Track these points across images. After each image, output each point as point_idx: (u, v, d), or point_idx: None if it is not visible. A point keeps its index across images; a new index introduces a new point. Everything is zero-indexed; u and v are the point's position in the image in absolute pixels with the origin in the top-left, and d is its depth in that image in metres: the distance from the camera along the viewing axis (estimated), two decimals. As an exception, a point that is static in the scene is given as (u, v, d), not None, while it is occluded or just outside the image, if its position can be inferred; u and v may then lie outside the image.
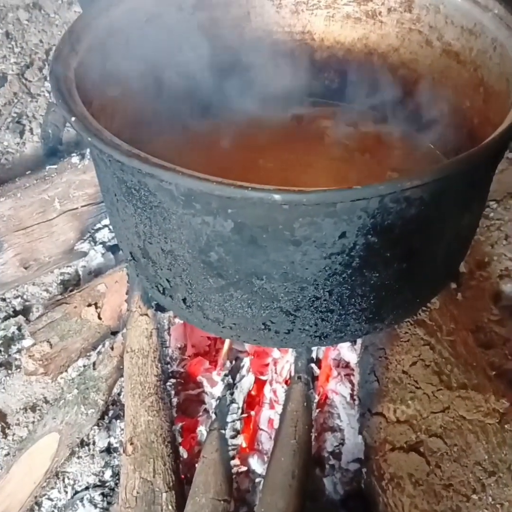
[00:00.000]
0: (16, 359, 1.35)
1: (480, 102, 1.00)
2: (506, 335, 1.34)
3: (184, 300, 0.89)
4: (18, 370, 1.33)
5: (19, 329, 1.40)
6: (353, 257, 0.76)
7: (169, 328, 1.19)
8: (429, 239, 0.83)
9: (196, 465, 1.07)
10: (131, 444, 1.06)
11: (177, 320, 1.21)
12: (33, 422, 1.25)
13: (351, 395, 1.17)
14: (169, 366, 1.17)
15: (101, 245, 1.43)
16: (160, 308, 1.19)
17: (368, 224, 0.72)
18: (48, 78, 1.95)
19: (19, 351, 1.36)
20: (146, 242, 0.85)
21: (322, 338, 0.89)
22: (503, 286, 1.41)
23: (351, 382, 1.18)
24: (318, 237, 0.73)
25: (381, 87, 1.19)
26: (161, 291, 0.92)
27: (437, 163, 1.14)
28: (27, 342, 1.35)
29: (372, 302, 0.85)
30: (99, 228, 1.45)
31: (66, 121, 1.76)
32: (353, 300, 0.83)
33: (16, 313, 1.44)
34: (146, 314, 1.17)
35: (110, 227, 1.44)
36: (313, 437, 1.10)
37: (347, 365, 1.21)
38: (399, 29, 1.14)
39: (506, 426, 1.01)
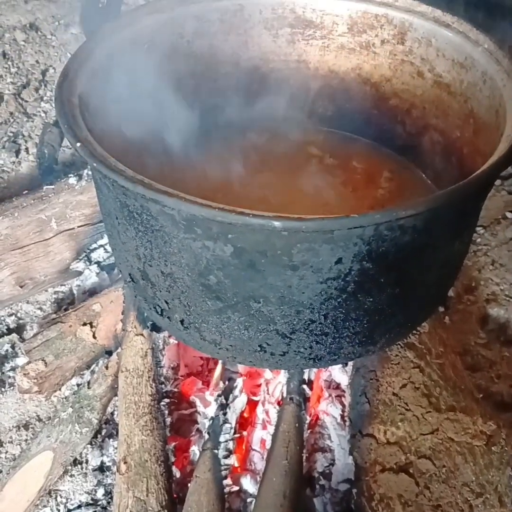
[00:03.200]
0: (9, 377, 1.35)
1: (470, 132, 1.03)
2: (493, 358, 1.36)
3: (182, 321, 0.91)
4: (12, 388, 1.33)
5: (12, 347, 1.41)
6: (348, 282, 0.79)
7: (163, 348, 1.21)
8: (421, 265, 0.86)
9: (189, 484, 1.08)
10: (125, 463, 1.07)
11: (171, 340, 1.23)
12: (26, 440, 1.25)
13: (342, 416, 1.18)
14: (163, 386, 1.18)
15: (96, 265, 1.45)
16: (155, 328, 1.20)
17: (363, 251, 0.75)
18: (44, 99, 1.98)
19: (12, 369, 1.36)
20: (146, 264, 0.87)
21: (316, 361, 0.91)
22: (490, 310, 1.44)
23: (342, 403, 1.19)
24: (315, 262, 0.75)
25: (373, 116, 1.23)
26: (159, 312, 0.94)
27: (426, 190, 1.17)
28: (20, 360, 1.36)
29: (365, 326, 0.87)
30: (95, 248, 1.46)
31: (62, 141, 1.79)
32: (347, 323, 0.86)
33: (9, 331, 1.44)
34: (142, 334, 1.19)
35: (106, 247, 1.46)
36: (304, 457, 1.12)
37: (338, 386, 1.22)
38: (391, 60, 1.18)
39: (493, 448, 1.03)
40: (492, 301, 1.45)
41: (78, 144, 0.79)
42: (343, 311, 0.83)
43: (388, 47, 1.18)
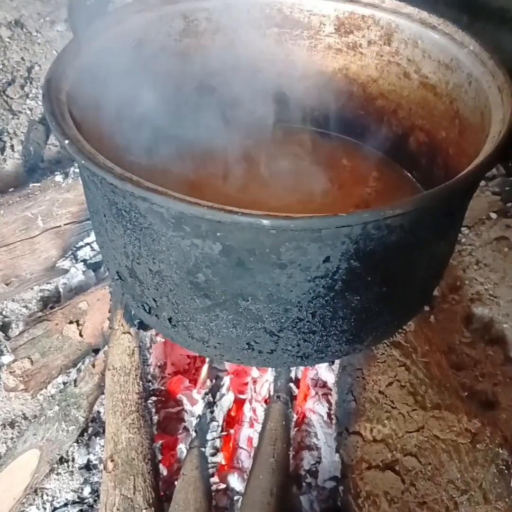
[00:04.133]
0: (-6, 375, 1.35)
1: (456, 133, 1.04)
2: (477, 357, 1.38)
3: (169, 319, 0.91)
4: (-3, 386, 1.33)
5: (-3, 345, 1.40)
6: (336, 281, 0.79)
7: (150, 346, 1.21)
8: (408, 265, 0.86)
9: (175, 482, 1.08)
10: (112, 461, 1.07)
11: (158, 339, 1.23)
12: (11, 438, 1.25)
13: (328, 414, 1.19)
14: (150, 384, 1.18)
15: (82, 263, 1.45)
16: (142, 326, 1.20)
17: (351, 250, 0.75)
18: (29, 96, 1.97)
19: (-2, 367, 1.36)
20: (134, 262, 0.87)
21: (304, 358, 0.92)
22: (475, 309, 1.45)
23: (328, 401, 1.20)
24: (303, 261, 0.76)
25: (360, 116, 1.24)
26: (147, 310, 0.94)
27: (413, 190, 1.18)
28: (6, 358, 1.35)
29: (352, 324, 0.88)
30: (81, 246, 1.46)
31: (48, 139, 1.78)
32: (335, 322, 0.86)
33: (-6, 329, 1.44)
34: (129, 332, 1.19)
35: (92, 245, 1.46)
36: (290, 455, 1.13)
37: (324, 384, 1.23)
38: (378, 61, 1.19)
39: (477, 445, 1.05)
40: (476, 300, 1.47)
41: (67, 142, 0.79)
42: (331, 309, 0.84)
43: (374, 48, 1.18)
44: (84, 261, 1.45)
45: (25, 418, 1.29)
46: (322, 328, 0.87)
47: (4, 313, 1.48)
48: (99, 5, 1.03)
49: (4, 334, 1.43)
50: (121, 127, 1.02)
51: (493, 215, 1.65)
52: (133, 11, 1.09)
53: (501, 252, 1.56)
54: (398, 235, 0.77)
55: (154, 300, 0.90)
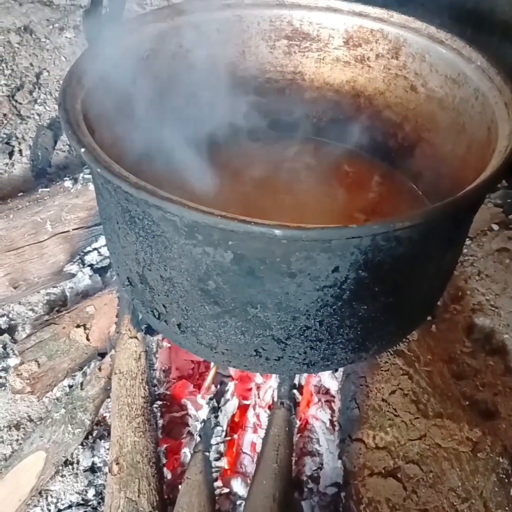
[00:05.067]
0: (0, 377, 1.36)
1: (462, 147, 1.06)
2: (478, 367, 1.39)
3: (179, 325, 0.93)
4: (3, 388, 1.34)
5: (4, 347, 1.41)
6: (344, 290, 0.81)
7: (157, 351, 1.23)
8: (414, 275, 0.88)
9: (179, 486, 1.10)
10: (117, 464, 1.09)
11: (165, 344, 1.25)
12: (17, 440, 1.26)
13: (331, 421, 1.20)
14: (155, 388, 1.20)
15: (89, 268, 1.46)
16: (149, 331, 1.22)
17: (360, 260, 0.77)
18: (38, 101, 1.99)
19: (4, 369, 1.37)
20: (145, 268, 0.89)
21: (310, 366, 0.94)
22: (476, 320, 1.47)
23: (331, 408, 1.21)
24: (313, 270, 0.77)
25: (366, 128, 1.26)
26: (157, 316, 0.95)
27: (418, 202, 1.20)
28: (12, 360, 1.37)
29: (359, 333, 0.90)
30: (89, 251, 1.47)
31: (56, 144, 1.80)
32: (342, 330, 0.88)
33: (1, 331, 1.45)
34: (136, 337, 1.20)
35: (100, 250, 1.47)
36: (293, 461, 1.14)
37: (327, 391, 1.24)
38: (385, 74, 1.21)
39: (478, 454, 1.06)
40: (478, 310, 1.48)
41: (83, 150, 0.80)
42: (338, 318, 0.85)
43: (382, 61, 1.20)
44: (91, 266, 1.47)
45: (31, 420, 1.30)
46: (329, 336, 0.88)
47: (10, 316, 1.49)
48: (113, 15, 1.05)
49: (10, 337, 1.44)
50: (134, 136, 1.04)
51: (495, 227, 1.67)
52: (146, 22, 1.11)
53: (503, 263, 1.58)
54: (406, 247, 0.79)
55: (164, 306, 0.92)
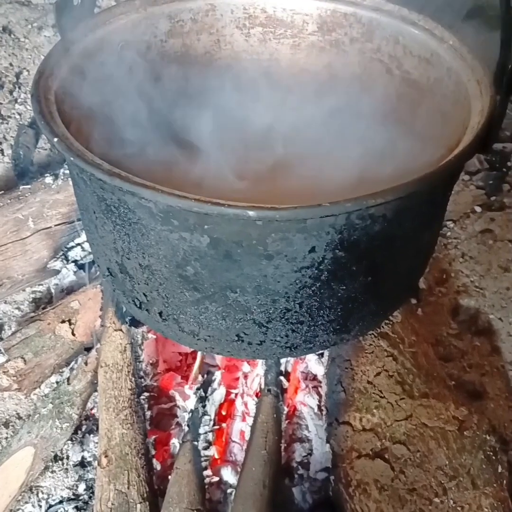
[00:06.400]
0: (-13, 376, 1.36)
1: (438, 126, 1.06)
2: (464, 348, 1.40)
3: (160, 313, 0.93)
4: (-10, 386, 1.34)
5: (-10, 346, 1.41)
6: (322, 271, 0.81)
7: (142, 343, 1.23)
8: (392, 254, 0.88)
9: (169, 477, 1.10)
10: (106, 456, 1.09)
11: (150, 336, 1.25)
12: (6, 438, 1.26)
13: (319, 407, 1.21)
14: (142, 380, 1.20)
15: (73, 263, 1.46)
16: (134, 323, 1.22)
17: (335, 240, 0.77)
18: (18, 101, 1.99)
19: (-10, 368, 1.37)
20: (124, 257, 0.89)
21: (292, 349, 0.94)
22: (461, 301, 1.48)
23: (318, 394, 1.22)
24: (290, 251, 0.77)
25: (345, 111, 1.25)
26: (138, 305, 0.95)
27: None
28: (-1, 359, 1.37)
29: (339, 314, 0.90)
30: (72, 247, 1.47)
31: (37, 142, 1.80)
32: (322, 312, 0.88)
33: (-13, 331, 1.45)
34: (120, 330, 1.20)
35: (83, 245, 1.47)
36: (282, 448, 1.14)
37: (314, 377, 1.25)
38: (361, 58, 1.21)
39: (465, 432, 1.07)
40: (462, 292, 1.49)
41: (56, 140, 0.80)
42: (318, 299, 0.86)
43: (357, 45, 1.20)
44: (75, 261, 1.47)
45: (19, 417, 1.30)
46: (310, 318, 0.89)
47: (-4, 314, 1.49)
48: (86, 6, 1.05)
49: (-4, 336, 1.44)
50: (110, 126, 1.04)
51: (478, 209, 1.68)
52: (119, 13, 1.10)
53: (486, 244, 1.59)
54: (382, 225, 0.79)
55: (144, 294, 0.92)
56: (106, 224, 0.87)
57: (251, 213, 0.70)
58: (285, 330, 0.90)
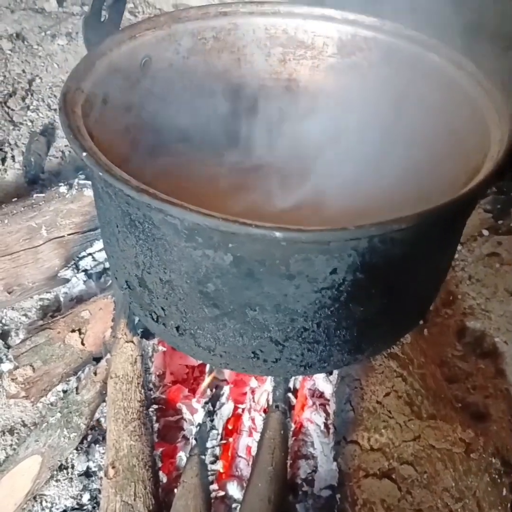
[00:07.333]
0: (-7, 382, 1.36)
1: (454, 152, 1.08)
2: (469, 370, 1.41)
3: (177, 328, 0.93)
4: (-3, 393, 1.34)
5: (-3, 353, 1.42)
6: (341, 292, 0.82)
7: (152, 355, 1.23)
8: (409, 277, 0.90)
9: (175, 490, 1.10)
10: (113, 467, 1.09)
11: (160, 348, 1.25)
12: (11, 445, 1.26)
13: (325, 424, 1.21)
14: (151, 392, 1.20)
15: (84, 273, 1.47)
16: (145, 335, 1.23)
17: (357, 262, 0.78)
18: (30, 108, 2.00)
19: (-3, 374, 1.37)
20: (144, 271, 0.90)
21: (307, 368, 0.95)
22: (467, 323, 1.49)
23: (325, 411, 1.22)
24: (311, 272, 0.78)
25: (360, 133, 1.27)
26: (155, 319, 0.96)
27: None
28: (5, 366, 1.37)
29: (355, 334, 0.91)
30: (83, 256, 1.48)
31: (49, 150, 1.81)
32: (338, 332, 0.89)
33: (-6, 337, 1.45)
34: (132, 341, 1.21)
35: (94, 255, 1.48)
36: (288, 464, 1.15)
37: (321, 395, 1.26)
38: (378, 81, 1.22)
39: (471, 455, 1.08)
40: (469, 314, 1.50)
41: (84, 154, 0.81)
42: (335, 320, 0.87)
43: (375, 69, 1.22)
44: (85, 271, 1.47)
45: (25, 425, 1.30)
46: (326, 338, 0.89)
47: (3, 321, 1.49)
48: (113, 21, 1.06)
49: (3, 342, 1.44)
50: (131, 141, 1.05)
51: (485, 232, 1.69)
52: (144, 28, 1.12)
53: (493, 267, 1.60)
54: (402, 248, 0.80)
55: (162, 309, 0.93)
56: (129, 238, 0.88)
57: (277, 234, 0.71)
58: (301, 349, 0.91)
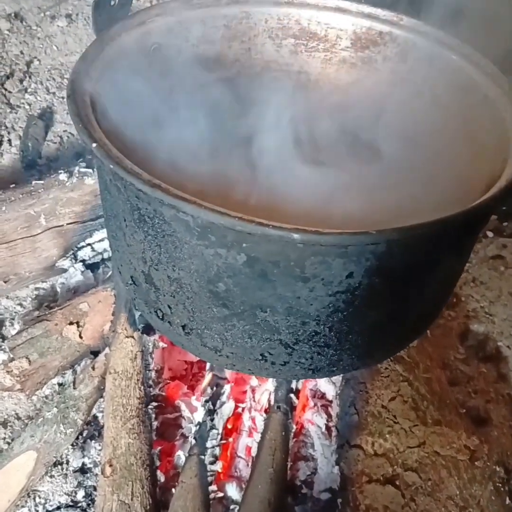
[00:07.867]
0: (-13, 373, 1.33)
1: (469, 154, 1.05)
2: (470, 373, 1.40)
3: (183, 326, 0.91)
4: (-10, 384, 1.31)
5: (-9, 342, 1.38)
6: (356, 296, 0.80)
7: (153, 352, 1.20)
8: (424, 283, 0.87)
9: (172, 489, 1.08)
10: (110, 465, 1.06)
11: (161, 344, 1.22)
12: (4, 438, 1.23)
13: (326, 426, 1.19)
14: (151, 389, 1.18)
15: (81, 263, 1.43)
16: (146, 331, 1.20)
17: (374, 266, 0.76)
18: (28, 90, 1.95)
19: (-9, 365, 1.34)
20: (152, 268, 0.87)
21: (315, 371, 0.92)
22: (470, 326, 1.47)
23: (327, 413, 1.20)
24: (327, 275, 0.76)
25: (372, 132, 1.24)
26: (160, 317, 0.93)
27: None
28: (0, 357, 1.34)
29: (366, 339, 0.88)
30: (82, 247, 1.44)
31: (47, 135, 1.77)
32: (350, 336, 0.87)
33: (-11, 326, 1.42)
34: (132, 336, 1.18)
35: (93, 246, 1.44)
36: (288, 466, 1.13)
37: (323, 396, 1.23)
38: (392, 77, 1.20)
39: (476, 463, 1.06)
40: (472, 317, 1.49)
41: (94, 145, 0.78)
42: (348, 324, 0.84)
43: (389, 65, 1.19)
44: (83, 261, 1.44)
45: (18, 418, 1.27)
46: (337, 342, 0.87)
47: (-2, 310, 1.46)
48: (122, 6, 1.03)
49: (-3, 331, 1.41)
50: (138, 130, 1.02)
51: (490, 234, 1.68)
52: (154, 14, 1.08)
53: (497, 270, 1.59)
54: (418, 254, 0.78)
55: (169, 306, 0.90)
56: (137, 233, 0.85)
57: (295, 235, 0.68)
58: (311, 353, 0.88)
